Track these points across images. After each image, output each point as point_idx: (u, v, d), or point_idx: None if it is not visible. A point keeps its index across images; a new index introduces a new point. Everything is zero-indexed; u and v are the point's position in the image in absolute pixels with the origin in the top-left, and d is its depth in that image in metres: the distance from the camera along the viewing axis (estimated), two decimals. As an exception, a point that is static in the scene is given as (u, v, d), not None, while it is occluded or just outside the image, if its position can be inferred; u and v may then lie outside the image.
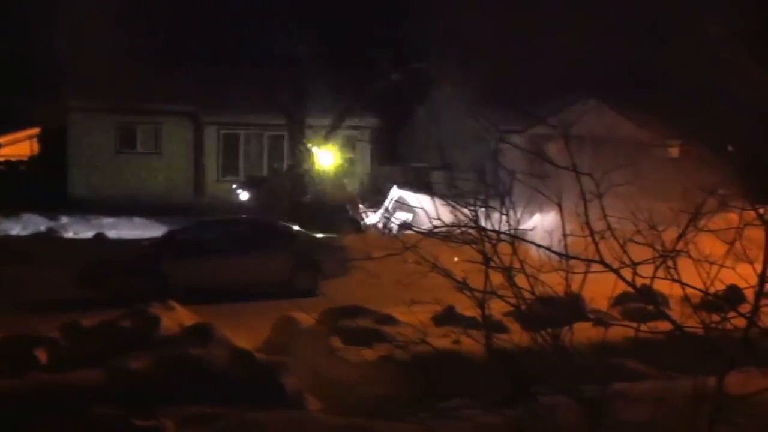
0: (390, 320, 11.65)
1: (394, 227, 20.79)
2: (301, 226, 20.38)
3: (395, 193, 25.68)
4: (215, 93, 30.91)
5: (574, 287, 6.26)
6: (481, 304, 6.40)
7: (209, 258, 17.57)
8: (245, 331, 11.91)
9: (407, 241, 6.80)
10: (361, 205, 27.38)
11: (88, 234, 25.28)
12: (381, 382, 9.73)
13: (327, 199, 27.20)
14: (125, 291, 15.91)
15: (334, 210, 26.17)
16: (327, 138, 30.10)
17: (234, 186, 30.21)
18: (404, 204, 22.55)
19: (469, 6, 32.45)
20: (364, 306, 12.45)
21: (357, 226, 25.08)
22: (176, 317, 11.40)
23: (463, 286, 6.34)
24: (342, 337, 11.34)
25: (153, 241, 19.86)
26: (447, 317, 11.76)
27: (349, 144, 33.44)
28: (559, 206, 6.42)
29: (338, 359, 10.76)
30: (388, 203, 25.97)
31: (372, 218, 26.64)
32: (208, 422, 8.06)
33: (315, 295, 16.72)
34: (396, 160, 33.12)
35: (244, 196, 29.22)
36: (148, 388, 9.11)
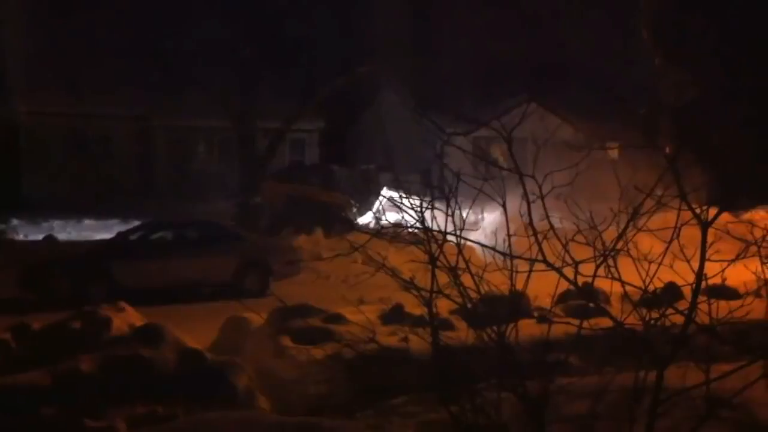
0: (339, 319, 11.74)
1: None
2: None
3: (386, 194, 25.77)
4: (165, 96, 30.74)
5: (519, 286, 6.39)
6: (428, 303, 6.52)
7: (158, 259, 17.54)
8: (195, 332, 11.91)
9: (355, 242, 6.89)
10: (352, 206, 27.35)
11: (39, 236, 25.08)
12: (330, 381, 9.82)
13: (322, 199, 27.12)
14: (72, 292, 15.80)
15: (329, 210, 26.14)
16: (277, 141, 30.05)
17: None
18: (395, 205, 22.53)
19: (415, 11, 32.64)
20: (314, 305, 12.52)
21: (352, 226, 25.10)
22: (126, 318, 11.36)
23: (409, 285, 6.46)
24: (291, 336, 11.38)
25: (102, 243, 19.75)
26: (395, 316, 11.90)
27: (297, 147, 33.46)
28: (503, 207, 6.57)
29: (287, 358, 10.82)
30: (380, 204, 26.01)
31: (363, 218, 26.64)
32: (159, 422, 8.08)
33: (265, 296, 16.78)
34: (344, 162, 33.28)
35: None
36: (98, 389, 9.09)
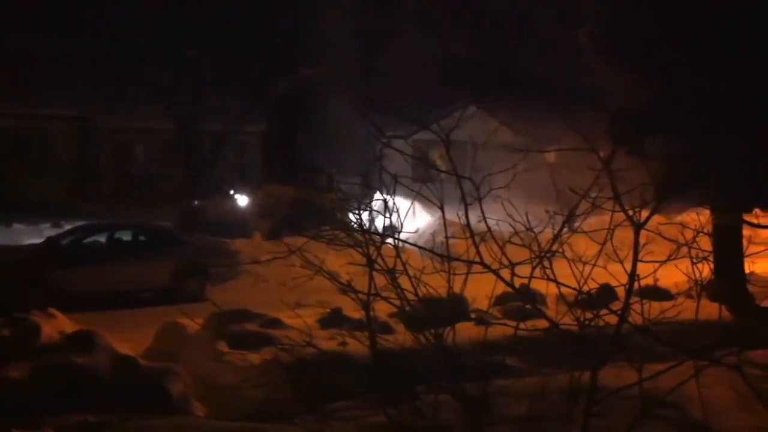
0: (277, 324, 11.67)
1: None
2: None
3: (379, 197, 25.57)
4: (106, 97, 30.21)
5: (457, 288, 6.41)
6: (366, 306, 6.50)
7: (91, 264, 17.21)
8: (130, 338, 11.72)
9: (292, 245, 6.85)
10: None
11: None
12: (267, 386, 9.73)
13: (322, 201, 26.86)
14: (7, 298, 15.43)
15: (328, 213, 25.90)
16: (221, 143, 29.78)
17: (232, 191, 29.56)
18: (387, 208, 22.40)
19: (360, 14, 32.67)
20: (251, 310, 12.42)
21: (348, 230, 24.83)
22: (57, 325, 11.13)
23: (347, 288, 6.43)
24: (229, 341, 11.28)
25: (37, 247, 19.27)
26: (333, 320, 11.87)
27: (242, 149, 33.20)
28: (441, 210, 6.59)
29: (225, 364, 10.71)
30: (373, 207, 25.76)
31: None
32: (92, 431, 7.92)
33: (202, 300, 16.55)
34: (288, 165, 33.07)
35: (242, 201, 28.74)
36: (29, 398, 8.88)
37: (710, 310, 8.83)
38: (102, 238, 18.37)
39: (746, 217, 9.53)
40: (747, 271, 11.68)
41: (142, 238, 18.75)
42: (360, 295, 6.47)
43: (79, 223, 20.85)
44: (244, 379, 10.08)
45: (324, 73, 32.65)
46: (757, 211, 9.29)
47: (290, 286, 7.98)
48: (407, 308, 6.44)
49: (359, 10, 32.92)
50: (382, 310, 9.50)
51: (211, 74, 27.53)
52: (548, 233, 6.32)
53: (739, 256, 11.71)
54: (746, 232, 11.08)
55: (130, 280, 17.19)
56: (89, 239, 18.38)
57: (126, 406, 8.74)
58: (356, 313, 10.17)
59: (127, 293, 17.21)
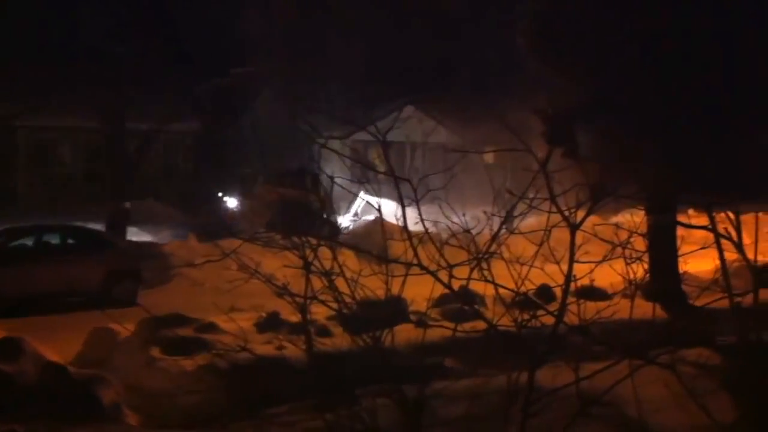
0: (212, 328, 11.49)
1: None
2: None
3: (363, 197, 25.43)
4: (28, 95, 29.41)
5: (395, 290, 6.37)
6: (302, 310, 6.42)
7: (19, 267, 16.74)
8: (59, 345, 11.42)
9: (227, 247, 6.72)
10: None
11: None
12: (202, 393, 9.57)
13: (311, 202, 26.46)
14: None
15: (316, 213, 25.56)
16: (149, 143, 29.23)
17: (220, 194, 29.00)
18: (372, 208, 22.24)
19: (296, 13, 32.50)
20: (186, 314, 12.22)
21: (336, 230, 24.58)
22: (-18, 332, 10.79)
23: (284, 291, 6.34)
24: (162, 347, 11.08)
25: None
26: (270, 323, 11.74)
27: (173, 149, 32.73)
28: (379, 211, 6.54)
29: (158, 370, 10.51)
30: (357, 207, 25.56)
31: (342, 221, 26.20)
32: (19, 441, 7.69)
33: (134, 305, 16.22)
34: (221, 165, 32.72)
35: (232, 203, 28.20)
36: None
37: (645, 309, 8.96)
38: (29, 241, 17.87)
39: (680, 218, 9.69)
40: (681, 270, 11.88)
41: (71, 240, 18.28)
42: (297, 299, 6.39)
43: (4, 227, 20.25)
44: (178, 386, 9.89)
45: (257, 72, 32.40)
46: (690, 211, 9.44)
47: (225, 289, 7.85)
48: (345, 311, 6.37)
49: (293, 9, 32.76)
50: (319, 313, 9.42)
51: (140, 72, 27.01)
52: (486, 234, 6.32)
53: (673, 256, 11.91)
54: (680, 232, 11.28)
55: (58, 284, 16.73)
56: (16, 242, 17.87)
57: (54, 415, 8.50)
58: (293, 317, 10.07)
59: (55, 297, 16.78)
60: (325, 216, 26.05)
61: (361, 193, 25.97)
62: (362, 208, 25.26)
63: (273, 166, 28.73)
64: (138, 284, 17.95)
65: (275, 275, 6.73)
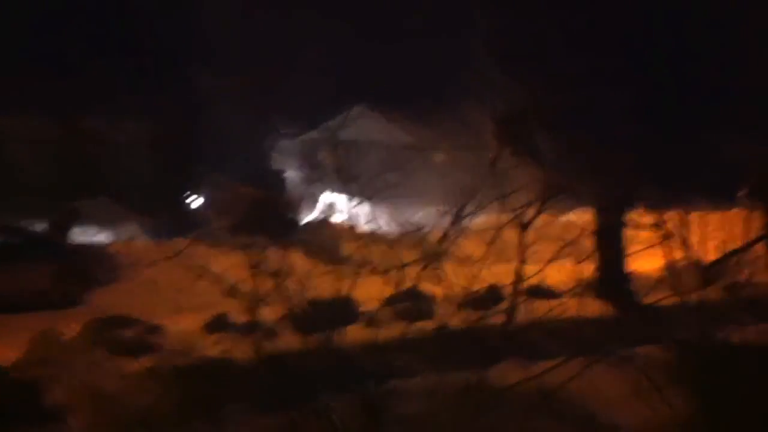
0: (160, 329, 11.35)
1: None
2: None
3: (328, 197, 25.27)
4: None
5: (346, 290, 6.34)
6: (252, 310, 6.36)
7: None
8: (1, 346, 11.19)
9: (176, 248, 6.63)
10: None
11: None
12: (149, 394, 9.45)
13: (277, 201, 26.10)
14: None
15: (282, 212, 25.27)
16: (104, 141, 28.78)
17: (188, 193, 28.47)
18: (337, 208, 22.16)
19: (249, 13, 32.30)
20: (133, 315, 12.05)
21: (296, 228, 24.31)
22: None
23: (232, 291, 6.27)
24: (108, 348, 10.90)
25: None
26: (219, 324, 11.62)
27: (126, 148, 32.30)
28: (332, 210, 6.50)
29: (104, 372, 10.34)
30: (322, 207, 25.35)
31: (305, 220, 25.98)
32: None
33: (81, 305, 15.96)
34: (176, 164, 32.31)
35: (198, 202, 27.70)
36: None
37: (595, 307, 9.04)
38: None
39: (628, 217, 9.79)
40: (629, 269, 12.02)
41: (17, 240, 17.95)
42: (246, 299, 6.31)
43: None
44: (125, 388, 9.73)
45: (212, 74, 32.15)
46: (639, 210, 9.55)
47: (173, 290, 7.76)
48: (295, 311, 6.32)
49: (247, 10, 32.55)
50: (271, 313, 9.33)
51: (97, 73, 26.62)
52: (437, 233, 6.32)
53: (621, 255, 12.04)
54: (628, 231, 11.41)
55: (3, 285, 16.40)
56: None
57: (-3, 419, 8.31)
58: (242, 317, 9.96)
59: (1, 298, 16.44)
60: (289, 216, 25.99)
61: (324, 193, 25.99)
62: (324, 208, 25.22)
63: (238, 165, 28.56)
64: (85, 284, 17.65)
65: (224, 275, 6.66)
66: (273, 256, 6.32)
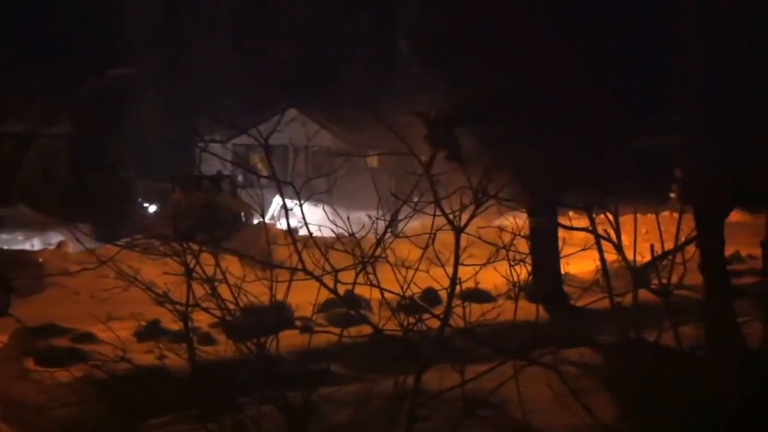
0: (89, 338, 11.16)
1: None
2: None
3: (278, 201, 24.80)
4: None
5: (280, 296, 6.28)
6: (184, 317, 6.25)
7: None
8: None
9: (104, 255, 6.49)
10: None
11: None
12: (79, 405, 9.23)
13: (230, 207, 25.49)
14: None
15: (231, 217, 24.70)
16: (22, 146, 28.12)
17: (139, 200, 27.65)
18: (288, 211, 21.74)
19: (177, 14, 31.89)
20: (61, 324, 11.82)
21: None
22: None
23: (164, 299, 6.15)
24: (36, 358, 10.67)
25: None
26: (151, 332, 11.45)
27: (46, 153, 31.59)
28: (262, 215, 6.44)
29: (31, 382, 10.10)
30: (273, 211, 24.93)
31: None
32: None
33: (6, 315, 15.53)
34: (100, 168, 31.73)
35: (152, 209, 26.92)
36: None
37: (529, 310, 9.09)
38: None
39: (561, 220, 9.92)
40: (562, 272, 12.17)
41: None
42: (178, 306, 6.21)
43: None
44: (54, 398, 9.51)
45: (134, 74, 31.65)
46: (571, 213, 9.67)
47: (102, 298, 7.60)
48: (228, 318, 6.24)
49: (172, 10, 32.15)
50: (202, 320, 9.22)
51: (13, 74, 25.96)
52: (371, 238, 6.29)
53: (554, 258, 12.18)
54: (561, 234, 11.54)
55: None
56: None
57: None
58: (175, 325, 9.81)
59: None
60: (243, 219, 25.69)
61: (276, 197, 25.80)
62: (278, 211, 25.01)
63: (166, 170, 28.14)
64: (9, 294, 17.21)
65: (156, 282, 6.54)
66: (206, 262, 6.23)
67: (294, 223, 6.20)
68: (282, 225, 6.73)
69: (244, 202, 27.61)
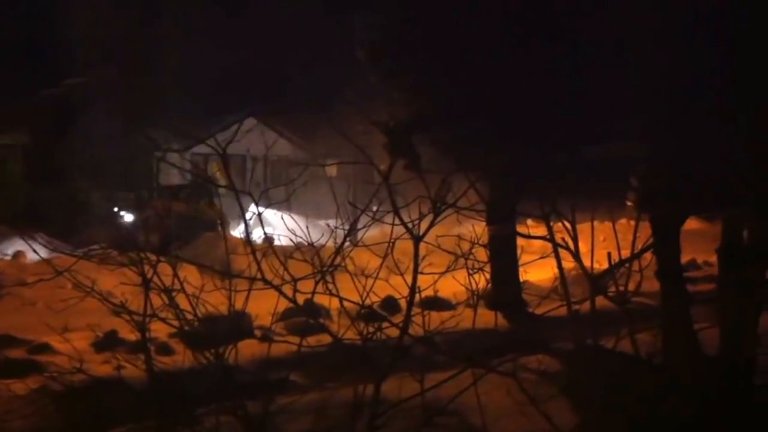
0: (45, 349, 11.02)
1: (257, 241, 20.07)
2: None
3: (253, 209, 24.55)
4: None
5: (239, 305, 6.26)
6: (141, 327, 6.19)
7: None
8: None
9: (60, 265, 6.41)
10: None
11: None
12: (35, 417, 9.12)
13: (207, 216, 25.09)
14: None
15: (208, 225, 24.34)
16: None
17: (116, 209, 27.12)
18: (263, 220, 21.55)
19: (132, 21, 31.65)
20: (16, 335, 11.65)
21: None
22: None
23: (121, 309, 6.10)
24: (-9, 370, 10.50)
25: None
26: (108, 343, 11.35)
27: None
28: (221, 225, 6.41)
29: (-13, 395, 9.92)
30: (248, 219, 24.63)
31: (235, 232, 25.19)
32: None
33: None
34: (54, 179, 31.33)
35: (128, 217, 26.41)
36: None
37: (488, 318, 9.16)
38: None
39: (519, 228, 9.98)
40: (521, 279, 12.26)
41: None
42: (135, 316, 6.15)
43: None
44: (9, 411, 9.37)
45: (90, 83, 31.35)
46: (529, 221, 9.74)
47: (59, 308, 7.50)
48: (186, 328, 6.20)
49: (127, 18, 31.91)
50: (160, 330, 9.12)
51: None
52: (330, 247, 6.29)
53: (513, 266, 12.26)
54: (520, 242, 11.62)
55: None
56: None
57: None
58: (132, 335, 9.72)
59: None
60: (220, 228, 25.39)
61: (251, 206, 25.66)
62: (254, 221, 24.81)
63: (123, 179, 27.91)
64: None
65: (113, 293, 6.48)
66: (163, 271, 6.18)
67: (235, 232, 6.18)
68: (258, 234, 6.70)
69: (220, 211, 27.44)
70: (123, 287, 6.34)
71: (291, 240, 6.32)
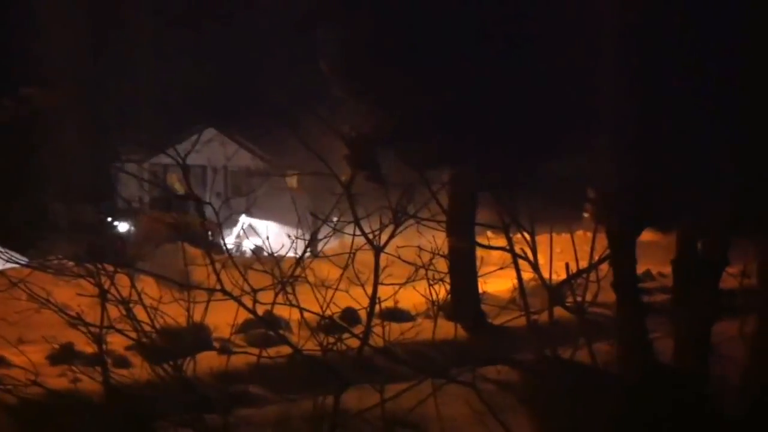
0: (1, 361, 10.78)
1: (247, 251, 19.82)
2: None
3: (244, 220, 24.26)
4: None
5: (198, 317, 6.21)
6: (98, 340, 6.13)
7: None
8: None
9: (15, 276, 6.32)
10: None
11: None
12: (-10, 430, 8.95)
13: (196, 227, 24.57)
14: None
15: (200, 236, 23.86)
16: None
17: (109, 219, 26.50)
18: (253, 230, 21.33)
19: (90, 32, 31.34)
20: (-31, 349, 11.40)
21: (220, 250, 23.15)
22: None
23: (77, 321, 6.03)
24: (-57, 384, 10.26)
25: None
26: (64, 355, 11.14)
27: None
28: (179, 236, 6.37)
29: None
30: (238, 229, 24.24)
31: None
32: None
33: None
34: (13, 190, 30.81)
35: (122, 227, 25.85)
36: None
37: (447, 329, 9.16)
38: None
39: (479, 239, 10.02)
40: (480, 290, 12.29)
41: None
42: (92, 328, 6.08)
43: None
44: (-38, 425, 9.20)
45: (47, 93, 30.95)
46: (489, 232, 9.80)
47: (14, 320, 7.40)
48: (144, 340, 6.14)
49: (85, 27, 31.59)
50: (117, 342, 9.03)
51: None
52: (291, 258, 6.28)
53: (473, 277, 12.29)
54: (479, 253, 11.66)
55: None
56: None
57: None
58: (89, 348, 9.59)
59: None
60: (211, 238, 25.06)
61: (242, 217, 25.38)
62: (244, 230, 24.54)
63: (81, 190, 27.52)
64: None
65: (69, 304, 6.40)
66: (121, 283, 6.12)
67: (193, 243, 6.16)
68: (248, 244, 6.69)
69: (211, 222, 27.16)
70: (79, 299, 6.28)
71: (250, 250, 6.30)
